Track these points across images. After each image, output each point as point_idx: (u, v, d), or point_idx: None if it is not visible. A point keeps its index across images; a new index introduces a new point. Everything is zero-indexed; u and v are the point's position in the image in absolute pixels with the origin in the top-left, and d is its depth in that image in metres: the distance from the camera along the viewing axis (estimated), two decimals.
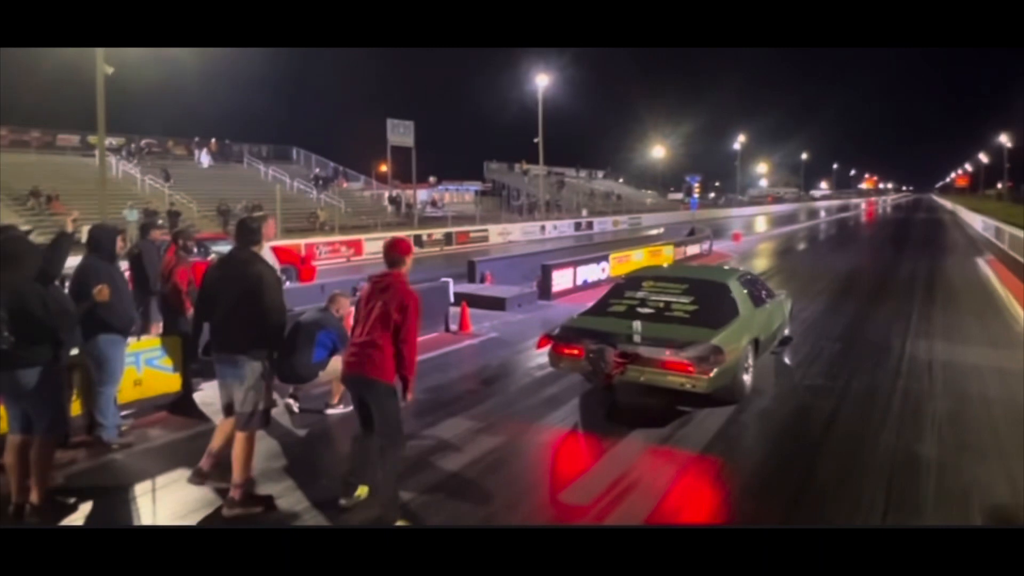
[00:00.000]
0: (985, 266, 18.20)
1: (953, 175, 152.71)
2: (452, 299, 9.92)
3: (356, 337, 3.93)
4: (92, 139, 26.93)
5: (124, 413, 5.43)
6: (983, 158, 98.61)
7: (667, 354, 5.59)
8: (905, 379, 7.04)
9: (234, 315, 3.98)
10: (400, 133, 35.01)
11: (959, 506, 4.20)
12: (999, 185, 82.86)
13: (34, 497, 3.89)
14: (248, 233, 4.13)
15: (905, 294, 13.17)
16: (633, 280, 7.22)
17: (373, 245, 23.93)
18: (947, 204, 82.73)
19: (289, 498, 4.25)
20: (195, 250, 7.49)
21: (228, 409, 4.18)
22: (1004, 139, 74.12)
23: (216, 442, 4.27)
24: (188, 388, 5.94)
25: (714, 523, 4.16)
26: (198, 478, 4.26)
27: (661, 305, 6.48)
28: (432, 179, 53.79)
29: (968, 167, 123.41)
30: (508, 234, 31.05)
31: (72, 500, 4.13)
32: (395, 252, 3.99)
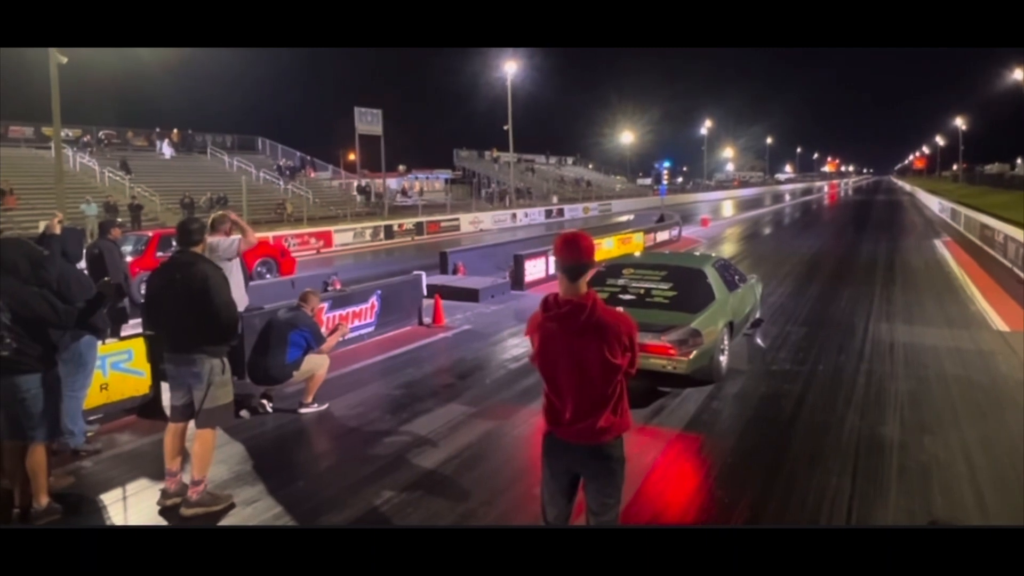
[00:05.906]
0: (943, 247, 18.78)
1: (911, 157, 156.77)
2: (425, 291, 9.89)
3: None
4: (47, 130, 25.98)
5: (90, 418, 5.31)
6: (940, 141, 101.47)
7: (649, 338, 5.77)
8: (868, 361, 7.26)
9: (186, 318, 3.96)
10: (368, 121, 34.52)
11: (920, 483, 4.36)
12: (955, 167, 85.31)
13: (42, 501, 3.91)
14: (188, 234, 4.11)
15: (867, 276, 13.53)
16: (614, 268, 7.46)
17: (343, 236, 23.61)
18: (906, 186, 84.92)
19: (263, 501, 4.22)
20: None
21: (179, 412, 4.14)
22: (960, 122, 76.35)
23: (172, 462, 4.15)
24: (157, 390, 5.82)
25: (696, 498, 4.30)
26: (166, 499, 4.17)
27: (642, 291, 6.73)
28: (401, 168, 53.29)
29: (925, 149, 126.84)
30: (479, 223, 30.95)
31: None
32: (577, 255, 2.53)
